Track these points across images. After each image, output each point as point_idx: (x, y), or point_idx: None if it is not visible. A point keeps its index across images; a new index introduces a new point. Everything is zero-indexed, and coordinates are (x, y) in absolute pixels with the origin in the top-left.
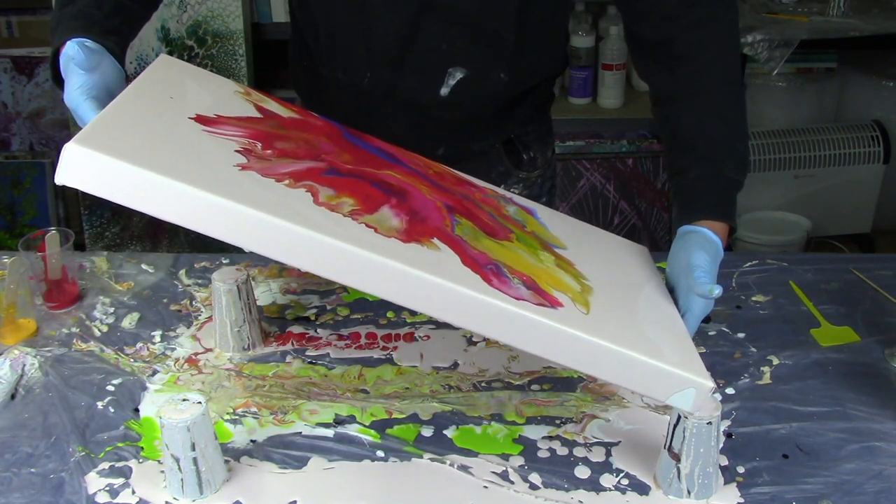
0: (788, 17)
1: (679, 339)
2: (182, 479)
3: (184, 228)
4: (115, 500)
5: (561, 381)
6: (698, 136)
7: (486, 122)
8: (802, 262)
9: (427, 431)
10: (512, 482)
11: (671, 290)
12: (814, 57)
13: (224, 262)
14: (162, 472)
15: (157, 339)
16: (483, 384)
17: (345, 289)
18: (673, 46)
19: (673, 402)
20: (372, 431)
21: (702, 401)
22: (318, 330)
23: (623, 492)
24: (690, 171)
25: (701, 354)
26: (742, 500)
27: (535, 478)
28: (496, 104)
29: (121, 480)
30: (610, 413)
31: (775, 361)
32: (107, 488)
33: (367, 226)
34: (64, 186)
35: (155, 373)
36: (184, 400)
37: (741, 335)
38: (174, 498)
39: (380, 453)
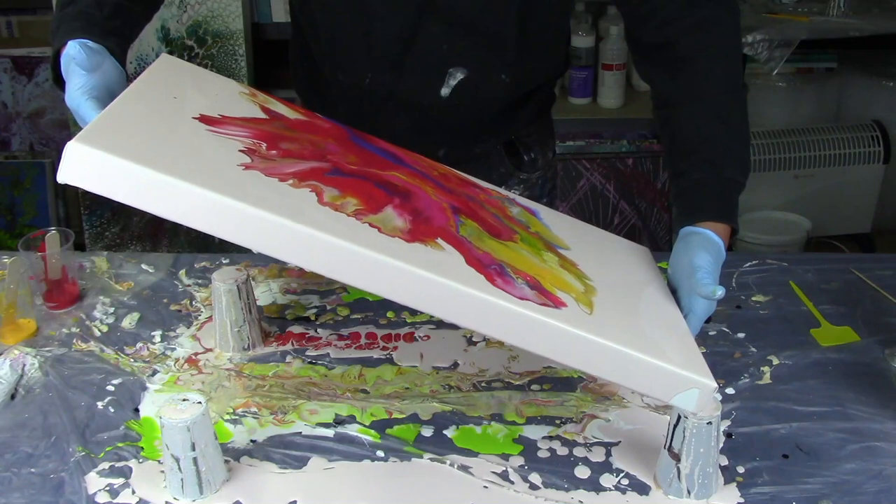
0: (788, 17)
1: (682, 339)
2: (182, 479)
3: (184, 228)
4: (115, 500)
5: (561, 381)
6: (700, 138)
7: (487, 123)
8: (802, 262)
9: (427, 431)
10: (512, 482)
11: (673, 292)
12: (814, 57)
13: (224, 262)
14: (162, 472)
15: (157, 339)
16: (483, 384)
17: (345, 289)
18: (674, 49)
19: (676, 402)
20: (372, 431)
21: (705, 401)
22: (318, 330)
23: (623, 492)
24: (692, 174)
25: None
26: (742, 500)
27: (535, 478)
28: (497, 105)
29: (121, 480)
30: (610, 413)
31: (775, 361)
32: (107, 488)
33: (371, 225)
34: (64, 186)
35: (155, 373)
36: (184, 400)
37: (741, 335)
38: (174, 498)
39: (380, 453)
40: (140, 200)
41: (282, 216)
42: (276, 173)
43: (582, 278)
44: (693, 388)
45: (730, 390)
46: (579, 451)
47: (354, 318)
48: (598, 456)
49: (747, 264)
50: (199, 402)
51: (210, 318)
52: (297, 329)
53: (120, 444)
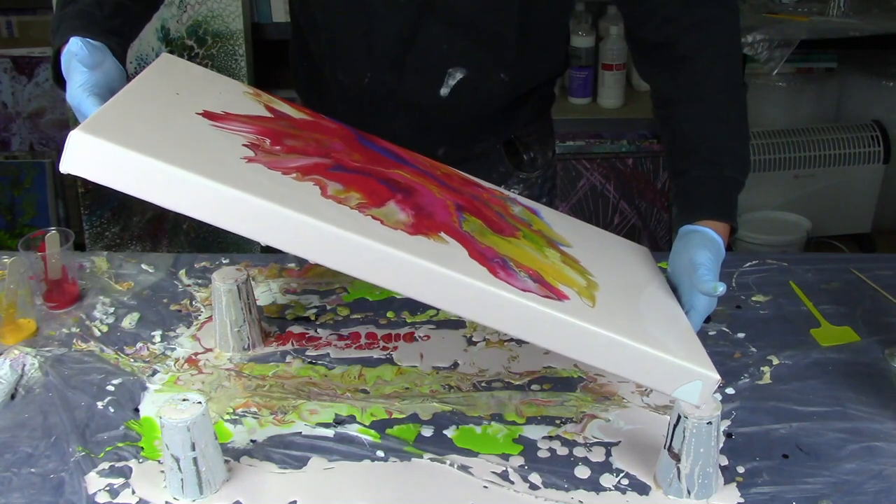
0: (788, 17)
1: (684, 334)
2: (182, 479)
3: (184, 228)
4: (115, 500)
5: (561, 381)
6: (700, 138)
7: (486, 122)
8: (802, 262)
9: (427, 431)
10: (512, 482)
11: (673, 290)
12: (814, 57)
13: (224, 262)
14: (162, 472)
15: (157, 339)
16: (483, 384)
17: (345, 289)
18: (674, 48)
19: (679, 394)
20: (372, 431)
21: (708, 394)
22: (318, 330)
23: (623, 492)
24: (692, 172)
25: None
26: (742, 500)
27: (535, 478)
28: (497, 105)
29: (121, 480)
30: (610, 413)
31: (775, 361)
32: (107, 488)
33: (374, 218)
34: (64, 187)
35: (155, 373)
36: (184, 400)
37: (741, 335)
38: (174, 498)
39: (380, 453)
40: (142, 191)
41: (285, 206)
42: (279, 167)
43: (584, 274)
44: (696, 380)
45: (730, 390)
46: (579, 451)
47: (354, 318)
48: (598, 456)
49: (747, 264)
50: (199, 402)
51: (210, 318)
52: (297, 329)
53: (120, 444)
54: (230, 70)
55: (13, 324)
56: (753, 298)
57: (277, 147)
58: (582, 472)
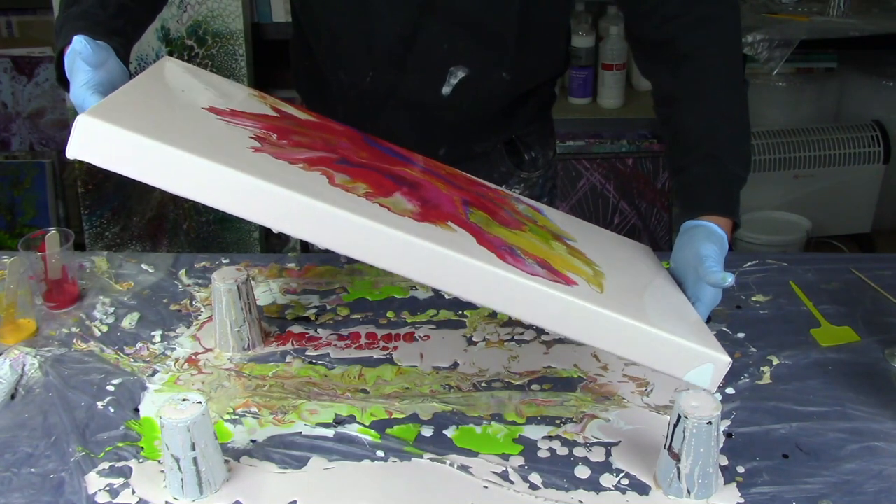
0: (788, 17)
1: (693, 321)
2: (182, 479)
3: (184, 228)
4: (115, 500)
5: (561, 381)
6: (701, 134)
7: (487, 122)
8: (802, 262)
9: (427, 431)
10: (512, 482)
11: (678, 285)
12: (814, 57)
13: (224, 262)
14: (162, 472)
15: (157, 339)
16: (483, 384)
17: (345, 289)
18: (675, 46)
19: (690, 378)
20: (372, 431)
21: (719, 377)
22: (318, 330)
23: (623, 492)
24: (693, 168)
25: None
26: (742, 500)
27: (535, 478)
28: (498, 104)
29: (121, 480)
30: (610, 413)
31: (775, 361)
32: (107, 488)
33: (381, 205)
34: (64, 187)
35: (155, 373)
36: (184, 400)
37: (741, 335)
38: (174, 498)
39: (380, 453)
40: (149, 175)
41: (293, 190)
42: (285, 157)
43: (591, 265)
44: (707, 363)
45: (730, 390)
46: (579, 451)
47: (354, 318)
48: (598, 456)
49: (747, 264)
50: (199, 402)
51: (210, 318)
52: (297, 329)
53: (120, 444)
54: (230, 70)
55: (13, 324)
56: (753, 298)
57: (284, 141)
58: (582, 472)
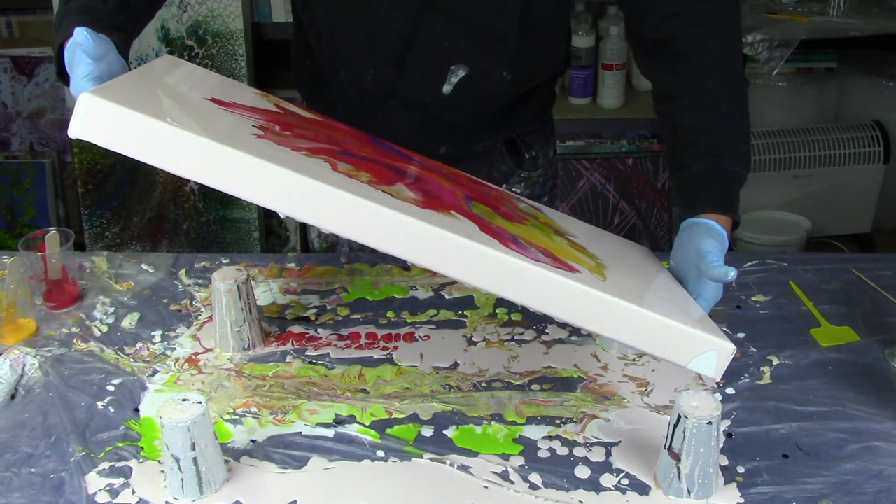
0: (788, 17)
1: (696, 312)
2: (182, 479)
3: (184, 228)
4: (115, 500)
5: (561, 381)
6: (701, 132)
7: (488, 121)
8: (802, 262)
9: (427, 431)
10: (512, 482)
11: (679, 283)
12: (814, 57)
13: (224, 262)
14: (162, 472)
15: (157, 339)
16: (483, 384)
17: (345, 289)
18: (675, 44)
19: (695, 366)
20: (372, 431)
21: (723, 365)
22: (318, 330)
23: (623, 492)
24: (693, 166)
25: None
26: (742, 500)
27: (535, 478)
28: (498, 103)
29: (121, 480)
30: (610, 413)
31: (775, 361)
32: (107, 488)
33: (384, 192)
34: (64, 187)
35: (155, 373)
36: (184, 400)
37: (741, 335)
38: (174, 498)
39: (380, 453)
40: (151, 155)
41: (298, 172)
42: (288, 145)
43: (593, 257)
44: (711, 350)
45: (730, 390)
46: (579, 451)
47: (354, 318)
48: (598, 456)
49: (747, 264)
50: (199, 402)
51: (210, 318)
52: (297, 329)
53: (120, 444)
54: (230, 70)
55: (13, 324)
56: (753, 298)
57: (287, 132)
58: (582, 472)
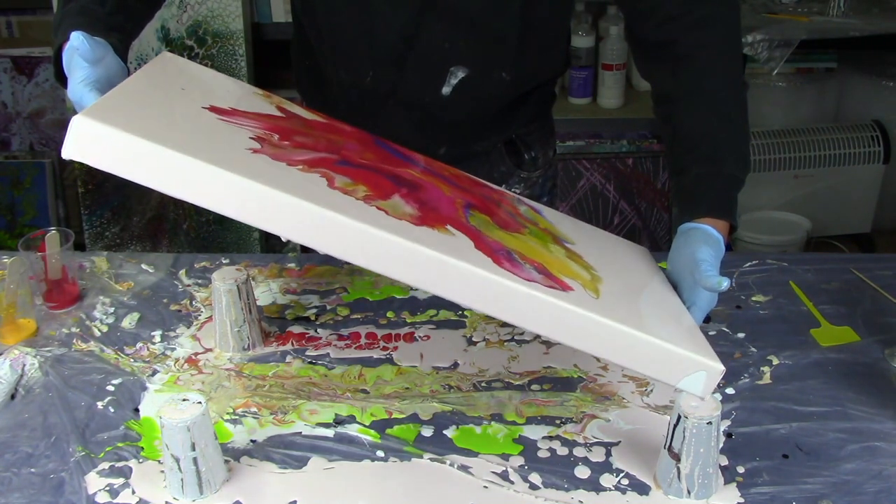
0: (788, 17)
1: (687, 327)
2: (182, 479)
3: (184, 228)
4: (115, 500)
5: (561, 381)
6: (700, 135)
7: (488, 121)
8: (802, 262)
9: (427, 431)
10: (512, 482)
11: (673, 287)
12: (814, 57)
13: (224, 262)
14: (162, 472)
15: (157, 339)
16: (483, 384)
17: (345, 289)
18: (675, 47)
19: (684, 385)
20: (372, 431)
21: (712, 385)
22: (318, 330)
23: (623, 492)
24: (692, 170)
25: None
26: (742, 500)
27: (535, 478)
28: (498, 104)
29: (121, 480)
30: (610, 413)
31: (775, 361)
32: (107, 488)
33: (378, 208)
34: (64, 187)
35: (155, 373)
36: (184, 400)
37: (741, 335)
38: (174, 498)
39: (380, 453)
40: (144, 177)
41: (288, 193)
42: (284, 159)
43: (588, 269)
44: (700, 370)
45: (730, 390)
46: (579, 451)
47: (354, 318)
48: (598, 456)
49: (747, 264)
50: (199, 402)
51: (210, 318)
52: (297, 329)
53: (120, 444)
54: (230, 70)
55: (13, 324)
56: (753, 298)
57: (286, 142)
58: (582, 472)
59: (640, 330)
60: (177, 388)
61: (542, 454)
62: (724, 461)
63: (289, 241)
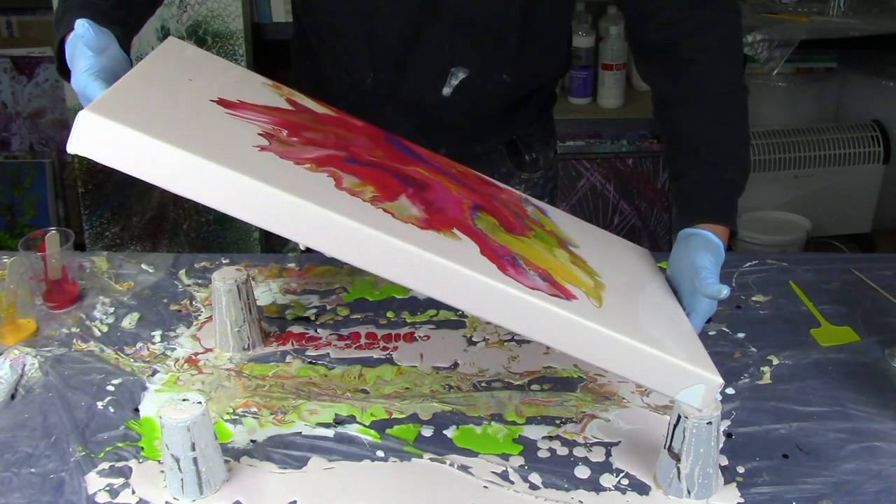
0: (788, 17)
1: (687, 336)
2: (182, 479)
3: (184, 228)
4: (115, 500)
5: (561, 381)
6: (700, 140)
7: (488, 122)
8: (802, 262)
9: (427, 431)
10: (512, 482)
11: (674, 292)
12: (814, 57)
13: (224, 262)
14: (162, 472)
15: (157, 339)
16: (483, 384)
17: (345, 289)
18: (675, 51)
19: (682, 397)
20: (372, 431)
21: (711, 397)
22: (318, 330)
23: (623, 492)
24: (692, 175)
25: None
26: (742, 500)
27: (535, 478)
28: (499, 105)
29: (121, 480)
30: (610, 413)
31: (775, 361)
32: (107, 488)
33: (385, 211)
34: (64, 187)
35: (155, 373)
36: (184, 400)
37: (741, 335)
38: (174, 498)
39: (380, 453)
40: (151, 175)
41: (293, 194)
42: (292, 157)
43: (592, 275)
44: (699, 383)
45: (730, 390)
46: (579, 451)
47: (354, 318)
48: (598, 456)
49: (747, 264)
50: (199, 402)
51: (210, 318)
52: (297, 329)
53: (120, 444)
54: None
55: (13, 324)
56: (753, 298)
57: (294, 138)
58: (582, 472)
59: (641, 341)
60: (177, 388)
61: (542, 454)
62: (724, 461)
63: (289, 241)
